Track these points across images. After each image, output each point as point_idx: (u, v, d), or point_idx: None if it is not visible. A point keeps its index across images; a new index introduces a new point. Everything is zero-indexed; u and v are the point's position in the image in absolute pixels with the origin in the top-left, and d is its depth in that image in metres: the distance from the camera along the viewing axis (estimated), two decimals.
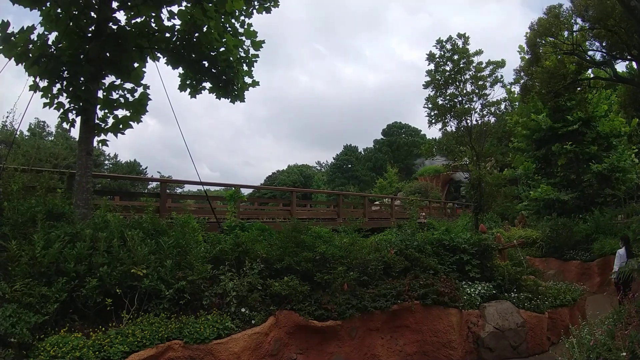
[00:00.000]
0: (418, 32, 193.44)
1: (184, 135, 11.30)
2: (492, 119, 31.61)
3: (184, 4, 9.39)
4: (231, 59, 10.14)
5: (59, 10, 8.72)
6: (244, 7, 10.04)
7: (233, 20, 10.19)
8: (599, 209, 21.49)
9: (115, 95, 9.81)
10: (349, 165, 78.79)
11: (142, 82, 9.88)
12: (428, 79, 30.99)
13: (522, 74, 24.10)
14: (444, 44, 30.15)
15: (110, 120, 9.76)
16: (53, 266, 6.45)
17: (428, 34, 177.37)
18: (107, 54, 9.25)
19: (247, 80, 10.68)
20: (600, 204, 22.69)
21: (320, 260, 8.96)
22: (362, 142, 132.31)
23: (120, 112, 9.84)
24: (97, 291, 6.50)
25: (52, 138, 44.24)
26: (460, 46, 29.91)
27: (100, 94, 9.48)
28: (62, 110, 9.13)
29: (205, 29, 9.60)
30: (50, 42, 8.84)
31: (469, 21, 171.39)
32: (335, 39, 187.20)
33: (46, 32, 8.86)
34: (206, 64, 10.16)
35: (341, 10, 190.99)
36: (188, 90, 10.56)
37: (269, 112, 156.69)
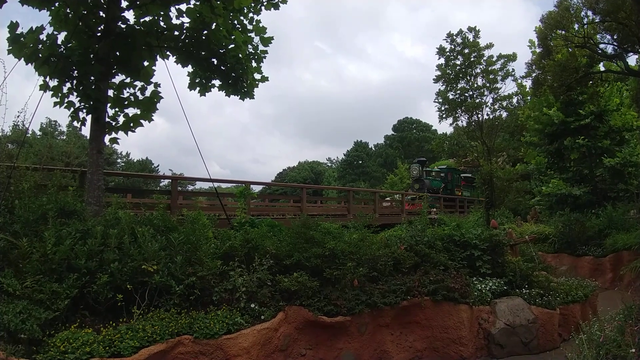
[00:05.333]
0: (420, 28, 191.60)
1: (193, 133, 11.33)
2: (504, 114, 31.38)
3: (193, 2, 9.45)
4: (240, 55, 10.15)
5: (68, 10, 8.80)
6: (252, 4, 10.05)
7: (241, 17, 10.19)
8: (611, 203, 21.28)
9: (125, 94, 9.91)
10: (360, 162, 78.65)
11: (152, 80, 9.96)
12: (438, 73, 30.82)
13: (533, 67, 23.93)
14: (455, 37, 29.94)
15: (121, 119, 9.83)
16: (64, 263, 6.52)
17: (430, 30, 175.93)
18: (117, 53, 9.34)
19: (256, 76, 10.69)
20: (613, 199, 22.47)
21: (330, 256, 8.96)
22: (369, 138, 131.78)
23: (131, 111, 9.95)
24: (107, 287, 6.56)
25: (65, 137, 44.65)
26: (471, 40, 29.69)
27: (110, 92, 9.56)
28: (72, 109, 9.22)
29: (214, 26, 9.63)
30: (59, 42, 8.93)
31: (471, 16, 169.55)
32: (338, 37, 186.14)
33: (55, 32, 8.95)
34: (215, 61, 10.19)
35: (342, 9, 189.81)
36: (197, 88, 10.60)
37: (275, 110, 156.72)
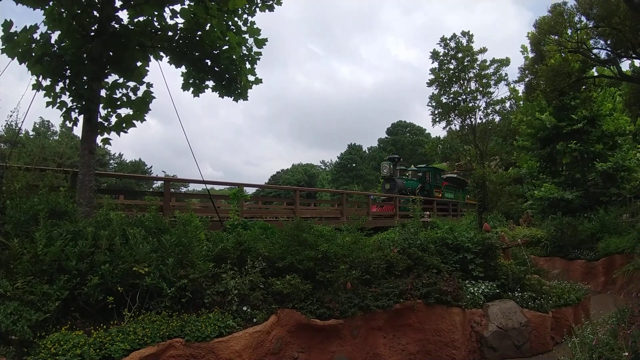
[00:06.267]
0: (413, 31, 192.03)
1: (186, 134, 11.29)
2: (497, 118, 31.58)
3: (187, 2, 9.39)
4: (234, 56, 10.12)
5: (62, 10, 8.75)
6: (247, 5, 10.02)
7: (236, 18, 10.16)
8: (603, 208, 21.38)
9: (118, 94, 9.84)
10: (354, 165, 78.77)
11: (144, 80, 9.91)
12: (432, 77, 30.96)
13: (526, 72, 24.08)
14: (448, 41, 30.10)
15: (113, 119, 9.77)
16: (55, 264, 6.45)
17: (423, 34, 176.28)
18: (110, 53, 9.27)
19: (250, 78, 10.66)
20: (605, 203, 22.57)
21: (323, 259, 8.92)
22: (363, 141, 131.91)
23: (124, 111, 9.88)
24: (98, 289, 6.49)
25: (57, 137, 44.43)
26: (465, 44, 29.87)
27: (103, 92, 9.50)
28: (64, 109, 9.14)
29: (208, 27, 9.59)
30: (53, 41, 8.89)
31: (463, 20, 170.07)
32: (331, 39, 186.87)
33: (49, 31, 8.90)
34: (209, 62, 10.13)
35: (336, 11, 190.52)
36: (191, 89, 10.55)
37: (268, 112, 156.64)
